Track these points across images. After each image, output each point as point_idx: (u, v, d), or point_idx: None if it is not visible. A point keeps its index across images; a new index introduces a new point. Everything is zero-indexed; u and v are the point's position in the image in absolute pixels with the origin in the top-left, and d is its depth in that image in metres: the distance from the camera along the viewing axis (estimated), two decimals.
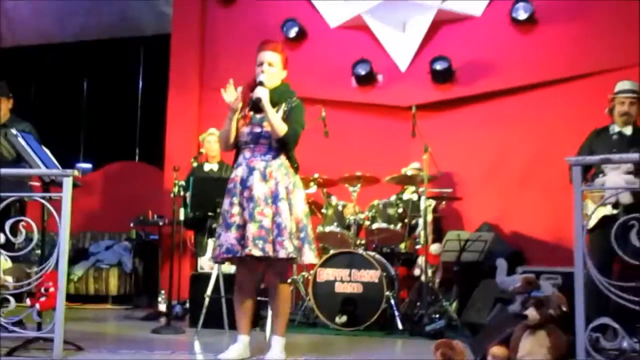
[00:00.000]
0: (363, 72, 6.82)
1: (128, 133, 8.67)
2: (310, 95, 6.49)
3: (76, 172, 3.67)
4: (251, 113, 3.65)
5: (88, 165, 9.52)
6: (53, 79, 8.81)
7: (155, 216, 6.47)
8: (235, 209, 3.56)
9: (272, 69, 3.63)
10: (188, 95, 7.42)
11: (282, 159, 3.64)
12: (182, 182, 5.76)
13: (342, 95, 7.03)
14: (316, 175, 5.74)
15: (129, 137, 8.67)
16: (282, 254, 3.46)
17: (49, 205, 3.69)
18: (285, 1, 7.26)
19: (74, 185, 4.18)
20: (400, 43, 6.86)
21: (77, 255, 7.45)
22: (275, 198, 3.53)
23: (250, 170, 3.58)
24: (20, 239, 3.66)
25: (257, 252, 3.43)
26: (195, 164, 6.12)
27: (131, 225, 6.57)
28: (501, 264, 3.65)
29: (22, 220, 3.66)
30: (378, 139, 6.95)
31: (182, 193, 5.71)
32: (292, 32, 7.06)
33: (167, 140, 7.38)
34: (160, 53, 7.78)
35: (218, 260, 3.75)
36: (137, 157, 8.65)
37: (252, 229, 3.45)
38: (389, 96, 6.92)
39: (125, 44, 8.49)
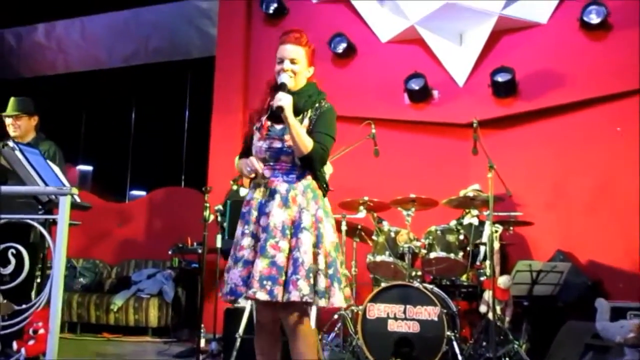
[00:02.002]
0: (417, 88, 5.91)
1: (175, 158, 7.99)
2: (360, 114, 5.68)
3: (75, 190, 2.88)
4: (269, 123, 2.82)
5: (142, 193, 8.92)
6: (103, 105, 8.26)
7: (195, 243, 5.67)
8: (246, 241, 2.70)
9: (294, 66, 2.80)
10: (232, 117, 6.67)
11: (309, 179, 2.78)
12: (220, 207, 4.97)
13: (394, 113, 6.13)
14: (366, 198, 4.86)
15: (175, 162, 7.99)
16: (294, 296, 2.56)
17: (42, 229, 2.92)
18: (333, 17, 6.45)
19: (83, 208, 3.45)
20: (457, 55, 5.93)
21: (120, 284, 6.72)
22: (296, 228, 2.66)
23: (271, 193, 2.72)
24: (10, 269, 2.86)
25: (262, 296, 2.55)
26: (235, 187, 5.30)
27: (169, 253, 5.78)
28: (602, 305, 2.67)
29: (11, 247, 2.86)
30: (433, 158, 6.02)
31: (219, 218, 4.93)
32: (340, 48, 6.25)
33: (211, 164, 6.63)
34: (207, 76, 7.08)
35: (224, 300, 2.84)
36: (183, 183, 7.92)
37: (260, 266, 2.58)
38: (445, 113, 5.98)
39: (172, 67, 7.85)
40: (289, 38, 2.83)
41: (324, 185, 2.84)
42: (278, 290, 2.55)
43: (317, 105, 2.82)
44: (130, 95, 8.30)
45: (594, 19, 5.42)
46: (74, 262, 6.91)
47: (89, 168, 9.51)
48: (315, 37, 6.31)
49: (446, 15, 5.75)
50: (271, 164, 2.77)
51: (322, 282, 2.63)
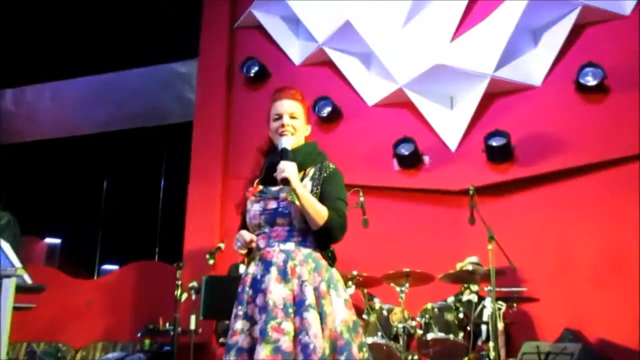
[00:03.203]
0: (407, 153, 5.70)
1: (148, 230, 7.62)
2: (346, 181, 5.34)
3: (21, 271, 2.51)
4: (261, 186, 2.56)
5: (113, 267, 8.49)
6: (73, 174, 7.95)
7: (167, 324, 5.24)
8: (239, 324, 2.36)
9: (294, 121, 2.59)
10: (210, 187, 6.38)
11: (310, 247, 2.47)
12: (194, 284, 4.60)
13: (384, 180, 5.88)
14: (354, 273, 4.59)
15: (149, 234, 7.61)
16: None
17: None
18: (317, 80, 6.29)
19: (34, 290, 3.06)
20: (448, 119, 5.76)
21: None
22: (299, 306, 2.33)
23: (267, 266, 2.41)
24: None
25: None
26: (211, 261, 4.92)
27: (138, 335, 5.33)
28: None
29: None
30: (426, 229, 5.73)
31: (193, 296, 4.55)
32: (325, 112, 6.09)
33: (186, 237, 6.27)
34: (184, 142, 6.84)
35: None
36: (156, 256, 7.52)
37: (262, 354, 2.22)
38: (437, 179, 5.74)
39: (148, 133, 7.62)
40: (284, 94, 2.64)
41: (329, 254, 2.51)
42: None
43: (319, 165, 2.59)
44: (102, 162, 8.04)
45: (591, 81, 5.27)
46: (34, 347, 6.41)
47: (57, 241, 9.09)
48: None
49: (436, 78, 5.61)
50: (266, 230, 2.48)
51: None
